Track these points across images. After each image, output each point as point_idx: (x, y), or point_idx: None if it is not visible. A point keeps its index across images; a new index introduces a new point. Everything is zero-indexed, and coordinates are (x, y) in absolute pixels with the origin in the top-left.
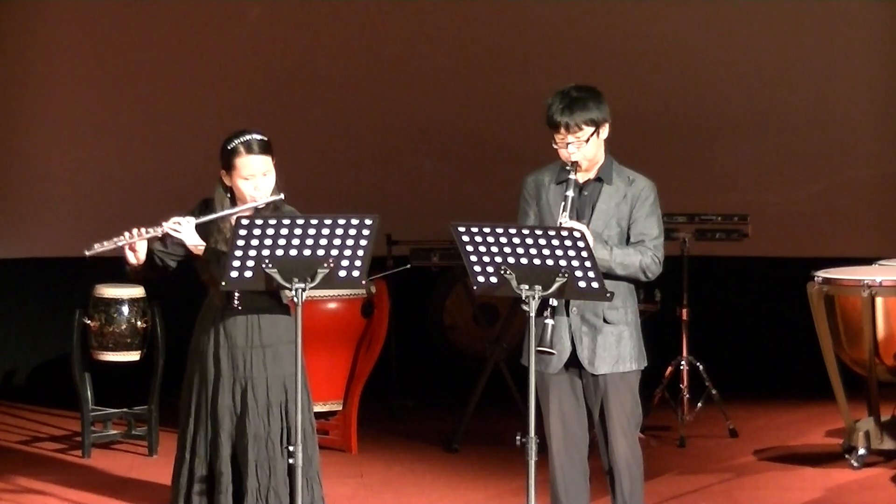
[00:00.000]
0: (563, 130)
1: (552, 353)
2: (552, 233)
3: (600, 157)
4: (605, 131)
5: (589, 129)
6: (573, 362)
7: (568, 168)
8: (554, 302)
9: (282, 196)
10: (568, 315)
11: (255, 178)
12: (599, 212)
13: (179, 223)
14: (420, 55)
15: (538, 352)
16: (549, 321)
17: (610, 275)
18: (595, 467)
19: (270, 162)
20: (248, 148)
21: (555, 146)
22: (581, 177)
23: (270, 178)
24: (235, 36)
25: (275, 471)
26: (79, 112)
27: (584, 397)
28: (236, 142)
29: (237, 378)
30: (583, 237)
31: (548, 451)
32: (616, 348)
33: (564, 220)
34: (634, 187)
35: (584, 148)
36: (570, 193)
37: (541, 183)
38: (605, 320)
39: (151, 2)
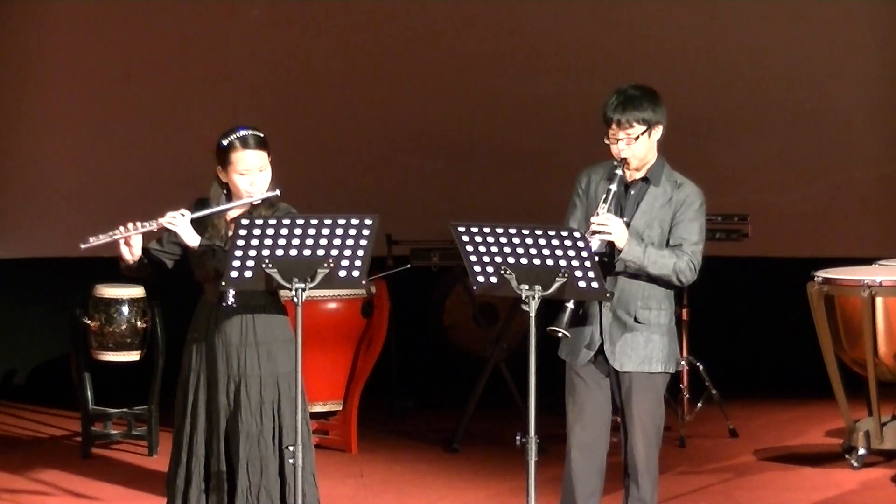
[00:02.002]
0: (614, 126)
1: (567, 336)
2: (552, 233)
3: (651, 157)
4: (657, 132)
5: (640, 128)
6: (602, 358)
7: (616, 164)
8: None
9: (277, 192)
10: (600, 310)
11: (251, 173)
12: (642, 212)
13: (175, 217)
14: (420, 55)
15: (550, 331)
16: (570, 305)
17: (643, 275)
18: (611, 464)
19: (266, 158)
20: (244, 143)
21: (606, 142)
22: (630, 175)
23: (266, 174)
24: (235, 36)
25: (266, 470)
26: (78, 112)
27: (612, 394)
28: (232, 137)
29: (231, 376)
30: (582, 238)
31: (565, 444)
32: (644, 348)
33: (602, 212)
34: (681, 192)
35: (634, 146)
36: (613, 187)
37: (593, 177)
38: (636, 319)
39: (151, 2)
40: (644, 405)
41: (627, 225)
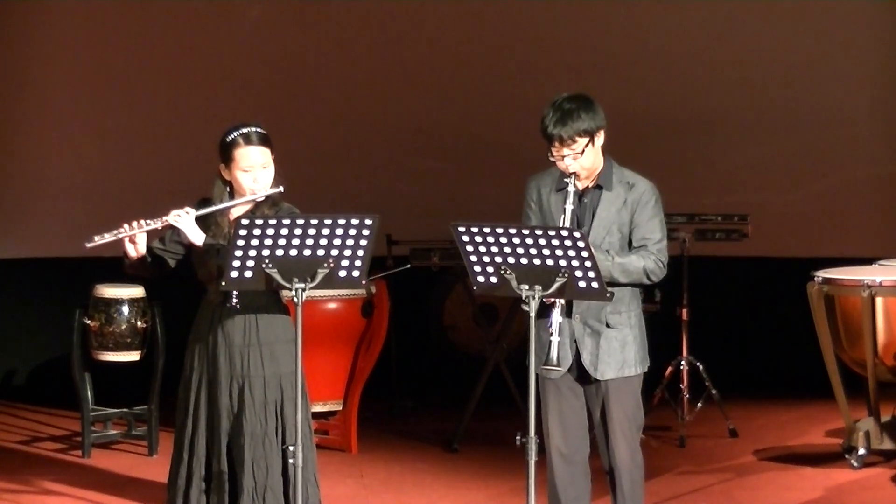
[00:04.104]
0: (557, 143)
1: (559, 371)
2: (552, 233)
3: (599, 163)
4: (600, 139)
5: (583, 140)
6: (576, 366)
7: (567, 179)
8: (559, 318)
9: (281, 189)
10: (571, 323)
11: (254, 169)
12: (600, 219)
13: (180, 215)
14: (420, 55)
15: (544, 369)
16: (555, 338)
17: (613, 282)
18: (596, 467)
19: (269, 154)
20: (247, 139)
21: (551, 158)
22: (581, 184)
23: (269, 171)
24: (235, 36)
25: (271, 469)
26: (78, 112)
27: (586, 399)
28: (235, 134)
29: (234, 376)
30: (583, 237)
31: (546, 452)
32: (621, 353)
33: None
34: (634, 192)
35: (581, 159)
36: (570, 206)
37: (542, 187)
38: (607, 325)
39: (152, 2)
40: (625, 409)
41: (586, 235)
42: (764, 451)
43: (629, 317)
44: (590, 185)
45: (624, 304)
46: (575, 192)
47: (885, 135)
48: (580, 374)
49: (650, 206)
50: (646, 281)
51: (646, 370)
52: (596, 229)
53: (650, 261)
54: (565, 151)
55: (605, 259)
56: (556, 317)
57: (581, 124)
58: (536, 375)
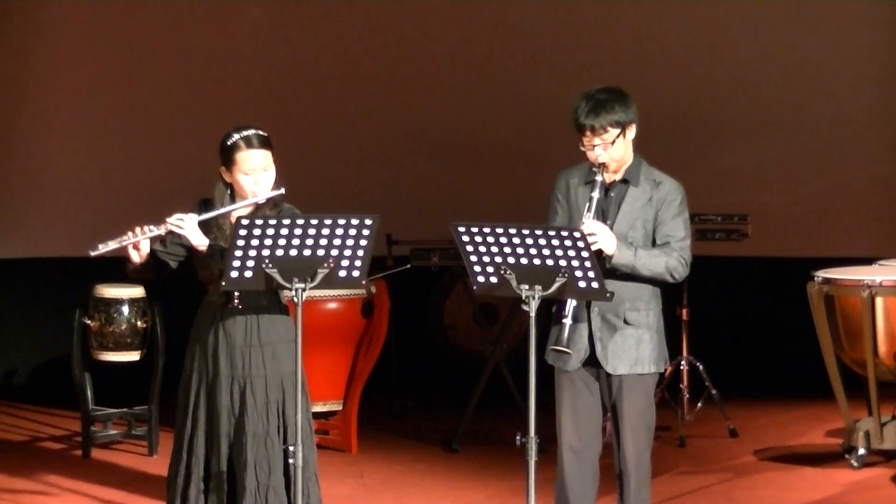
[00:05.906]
0: (588, 133)
1: (569, 353)
2: (552, 233)
3: (628, 157)
4: (631, 132)
5: (614, 131)
6: (591, 361)
7: (595, 169)
8: (574, 302)
9: (282, 190)
10: (589, 314)
11: (256, 172)
12: (624, 213)
13: (182, 220)
14: (420, 55)
15: (554, 350)
16: (567, 321)
17: (635, 277)
18: (605, 466)
19: (270, 157)
20: (248, 143)
21: (582, 148)
22: (608, 177)
23: (271, 174)
24: (235, 36)
25: (274, 469)
26: (79, 112)
27: (601, 395)
28: (236, 137)
29: (235, 377)
30: (583, 237)
31: (557, 447)
32: (635, 350)
33: (588, 220)
34: (661, 190)
35: (611, 150)
36: (596, 195)
37: (571, 181)
38: (625, 321)
39: (152, 2)
40: (635, 407)
41: (610, 228)
42: (764, 451)
43: (647, 315)
44: (617, 180)
45: (643, 301)
46: (602, 184)
47: (885, 135)
48: (596, 369)
49: (675, 204)
50: (668, 278)
51: (661, 371)
52: (619, 223)
53: (673, 258)
54: (596, 141)
55: (628, 251)
56: (571, 301)
57: (613, 115)
58: (552, 368)
